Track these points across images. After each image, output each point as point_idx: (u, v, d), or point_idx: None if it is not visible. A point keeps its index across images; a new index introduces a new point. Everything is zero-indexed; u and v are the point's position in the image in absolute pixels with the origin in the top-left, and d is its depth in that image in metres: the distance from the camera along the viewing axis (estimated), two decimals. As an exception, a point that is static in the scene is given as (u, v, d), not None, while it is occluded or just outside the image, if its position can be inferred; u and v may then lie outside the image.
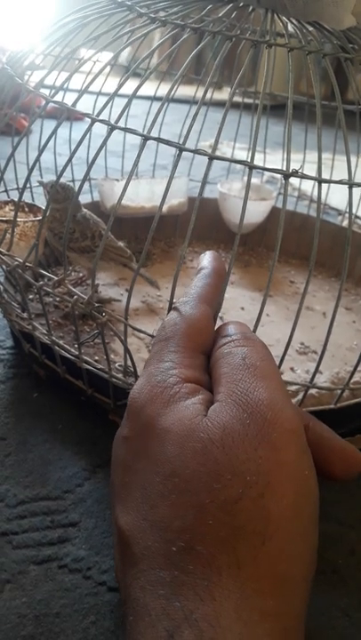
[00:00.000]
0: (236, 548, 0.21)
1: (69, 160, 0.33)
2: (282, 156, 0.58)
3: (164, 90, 0.63)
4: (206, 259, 0.34)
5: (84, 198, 0.73)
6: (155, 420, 0.25)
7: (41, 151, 0.35)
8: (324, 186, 0.32)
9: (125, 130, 0.32)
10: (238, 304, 0.63)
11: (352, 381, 0.47)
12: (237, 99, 0.79)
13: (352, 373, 0.37)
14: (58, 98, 0.35)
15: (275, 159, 0.78)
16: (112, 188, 0.68)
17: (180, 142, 0.31)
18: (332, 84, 0.39)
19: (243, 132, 0.77)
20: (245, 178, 0.84)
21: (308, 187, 0.88)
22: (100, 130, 0.33)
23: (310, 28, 0.43)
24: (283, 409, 0.24)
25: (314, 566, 0.23)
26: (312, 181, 0.32)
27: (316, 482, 0.25)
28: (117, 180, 0.70)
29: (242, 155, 0.89)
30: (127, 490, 0.24)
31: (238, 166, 0.31)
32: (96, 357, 0.49)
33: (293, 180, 0.99)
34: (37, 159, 0.35)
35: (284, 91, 0.46)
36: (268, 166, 0.33)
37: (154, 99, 0.70)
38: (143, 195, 0.73)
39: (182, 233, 0.76)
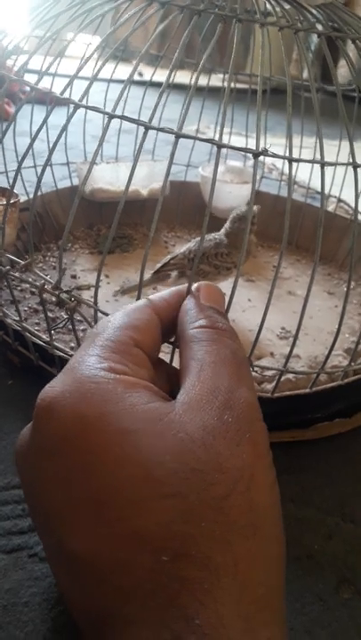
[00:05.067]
0: (231, 543, 0.21)
1: (54, 145, 0.32)
2: (263, 139, 0.57)
3: (158, 75, 0.63)
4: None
5: (64, 183, 0.71)
6: (101, 421, 0.22)
7: (5, 132, 0.34)
8: (309, 169, 0.31)
9: (88, 108, 0.31)
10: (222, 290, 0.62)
11: (330, 365, 0.47)
12: (220, 83, 0.78)
13: (327, 357, 0.36)
14: (40, 83, 0.34)
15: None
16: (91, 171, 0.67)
17: (148, 121, 0.30)
18: (307, 63, 0.39)
19: (228, 116, 0.75)
20: (228, 161, 0.83)
21: (295, 172, 0.87)
22: (89, 115, 0.32)
23: (287, 6, 0.41)
24: (256, 404, 0.25)
25: (285, 543, 0.24)
26: (300, 164, 0.31)
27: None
28: (96, 163, 0.69)
29: (232, 140, 0.88)
30: (75, 507, 0.22)
31: (223, 150, 0.30)
32: (72, 344, 0.48)
33: (279, 164, 0.98)
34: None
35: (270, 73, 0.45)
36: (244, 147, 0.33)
37: (134, 82, 0.69)
38: (123, 178, 0.72)
39: (164, 217, 0.75)
